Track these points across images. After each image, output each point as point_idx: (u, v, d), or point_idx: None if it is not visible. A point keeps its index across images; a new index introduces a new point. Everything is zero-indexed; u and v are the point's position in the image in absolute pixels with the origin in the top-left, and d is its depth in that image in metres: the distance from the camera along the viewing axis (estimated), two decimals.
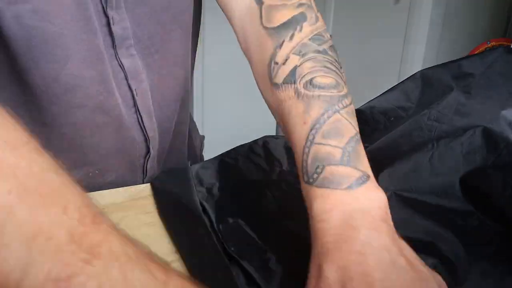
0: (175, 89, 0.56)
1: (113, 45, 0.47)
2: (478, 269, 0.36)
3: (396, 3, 2.01)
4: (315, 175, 0.35)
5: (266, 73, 0.42)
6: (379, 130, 0.44)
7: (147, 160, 0.57)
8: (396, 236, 0.32)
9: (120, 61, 0.48)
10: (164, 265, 0.23)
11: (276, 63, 0.41)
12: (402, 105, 0.48)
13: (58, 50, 0.43)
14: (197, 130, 0.77)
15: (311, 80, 0.38)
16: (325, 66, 0.40)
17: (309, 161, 0.35)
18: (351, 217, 0.32)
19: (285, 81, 0.40)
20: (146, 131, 0.54)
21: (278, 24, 0.42)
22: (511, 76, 0.40)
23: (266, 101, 0.45)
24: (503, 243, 0.37)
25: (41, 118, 0.46)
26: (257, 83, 0.46)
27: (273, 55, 0.42)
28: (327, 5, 2.54)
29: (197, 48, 0.65)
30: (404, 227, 0.35)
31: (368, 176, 0.35)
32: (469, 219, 0.38)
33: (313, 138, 0.36)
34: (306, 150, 0.36)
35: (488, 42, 1.93)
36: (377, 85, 2.37)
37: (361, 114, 0.43)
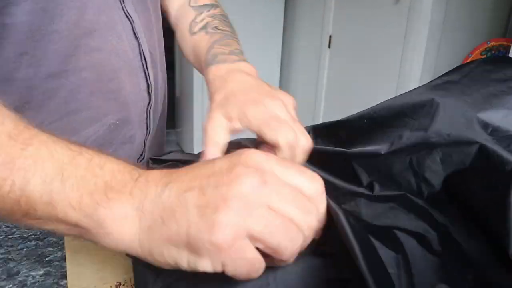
0: (157, 43, 0.65)
1: (122, 1, 0.55)
2: None
3: (396, 3, 2.01)
4: (214, 61, 0.55)
5: (187, 29, 0.65)
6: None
7: (149, 111, 0.62)
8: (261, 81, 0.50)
9: (127, 12, 0.55)
10: (79, 145, 0.32)
11: (195, 22, 0.64)
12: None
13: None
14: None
15: (216, 27, 0.62)
16: (227, 24, 0.64)
17: (209, 56, 0.56)
18: (232, 70, 0.52)
19: (201, 29, 0.63)
20: (149, 77, 0.60)
21: (201, 4, 0.67)
22: (487, 82, 0.40)
23: (183, 51, 0.67)
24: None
25: (67, 65, 0.51)
26: (178, 42, 0.68)
27: (195, 18, 0.65)
28: (327, 5, 2.54)
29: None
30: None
31: (245, 61, 0.56)
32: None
33: (213, 46, 0.58)
34: (209, 51, 0.57)
35: (488, 42, 1.93)
36: (377, 85, 2.39)
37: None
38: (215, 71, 0.53)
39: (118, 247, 0.30)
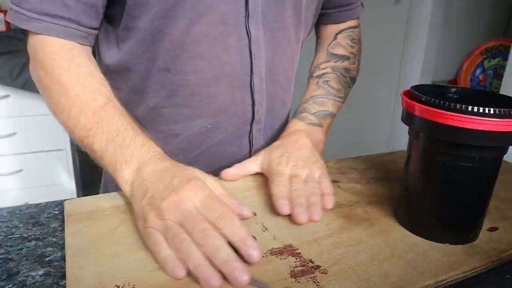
0: (284, 65, 0.68)
1: (246, 16, 0.59)
2: None
3: (396, 3, 2.01)
4: (298, 114, 0.69)
5: (312, 69, 0.76)
6: None
7: (252, 126, 0.67)
8: (316, 153, 0.61)
9: (249, 29, 0.60)
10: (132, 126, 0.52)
11: (319, 67, 0.75)
12: None
13: (193, 9, 0.56)
14: None
15: (327, 81, 0.73)
16: (339, 81, 0.74)
17: (300, 107, 0.71)
18: (300, 130, 0.65)
19: (317, 77, 0.74)
20: (253, 93, 0.64)
21: (335, 53, 0.76)
22: None
23: None
24: None
25: (173, 64, 0.59)
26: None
27: (321, 63, 0.76)
28: None
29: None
30: None
31: (322, 126, 0.69)
32: None
33: (308, 100, 0.71)
34: (303, 102, 0.71)
35: (488, 42, 1.93)
36: (377, 84, 2.39)
37: None
38: (292, 123, 0.68)
39: (122, 189, 0.49)
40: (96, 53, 0.64)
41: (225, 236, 0.39)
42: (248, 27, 0.60)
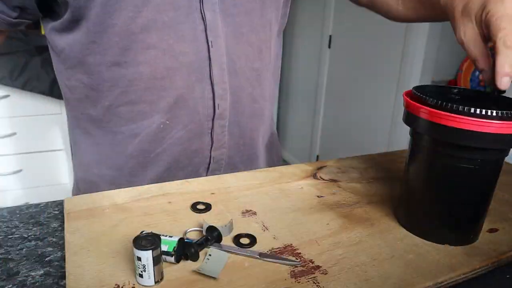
0: (249, 56, 0.61)
1: (201, 0, 0.55)
2: None
3: None
4: None
5: None
6: None
7: (214, 122, 0.61)
8: None
9: (204, 14, 0.55)
10: None
11: None
12: None
13: None
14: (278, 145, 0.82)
15: None
16: None
17: None
18: None
19: None
20: (213, 85, 0.58)
21: None
22: None
23: (398, 15, 0.68)
24: None
25: (124, 57, 0.55)
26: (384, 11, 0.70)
27: None
28: (327, 5, 2.54)
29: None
30: None
31: None
32: None
33: None
34: None
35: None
36: (377, 84, 2.39)
37: None
38: None
39: None
40: (50, 47, 0.64)
41: None
42: (203, 12, 0.55)
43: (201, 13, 0.55)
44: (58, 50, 0.60)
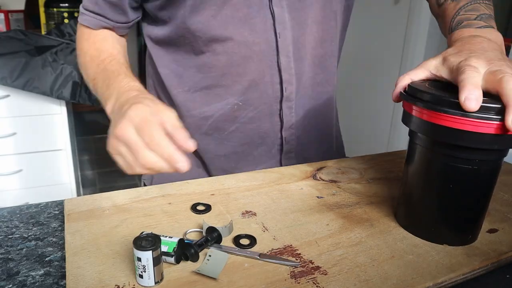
0: (311, 44, 0.69)
1: None
2: None
3: (396, 3, 2.01)
4: (458, 26, 0.55)
5: (435, 1, 0.65)
6: None
7: (282, 104, 0.69)
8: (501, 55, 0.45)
9: (272, 9, 0.63)
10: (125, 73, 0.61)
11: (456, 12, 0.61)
12: None
13: None
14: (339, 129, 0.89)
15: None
16: None
17: (454, 23, 0.57)
18: (475, 35, 0.50)
19: (446, 0, 0.62)
20: (281, 71, 0.66)
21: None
22: None
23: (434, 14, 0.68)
24: None
25: (206, 47, 0.65)
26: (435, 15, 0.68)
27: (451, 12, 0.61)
28: None
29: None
30: None
31: (493, 27, 0.53)
32: None
33: (459, 12, 0.58)
34: (453, 18, 0.58)
35: None
36: (377, 85, 2.39)
37: None
38: (457, 35, 0.53)
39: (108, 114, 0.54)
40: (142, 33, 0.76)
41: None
42: (272, 8, 0.63)
43: (270, 9, 0.63)
44: (155, 40, 0.72)
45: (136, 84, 0.56)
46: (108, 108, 0.54)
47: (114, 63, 0.63)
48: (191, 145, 0.45)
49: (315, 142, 0.77)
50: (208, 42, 0.65)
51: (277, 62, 0.66)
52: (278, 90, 0.68)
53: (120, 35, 0.72)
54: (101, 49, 0.67)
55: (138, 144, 0.44)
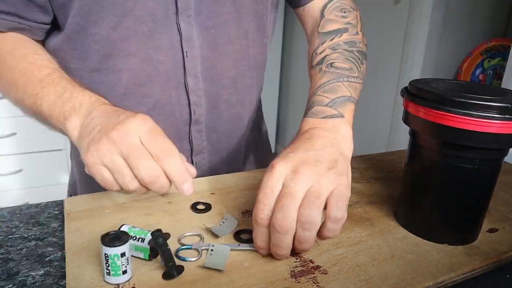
0: (225, 65, 0.64)
1: (176, 13, 0.57)
2: None
3: (396, 3, 2.01)
4: (308, 111, 0.51)
5: (309, 61, 0.62)
6: None
7: (191, 127, 0.64)
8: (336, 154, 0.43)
9: (179, 26, 0.58)
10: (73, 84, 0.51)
11: (316, 53, 0.61)
12: None
13: (119, 6, 0.55)
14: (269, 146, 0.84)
15: (331, 63, 0.57)
16: (346, 58, 0.58)
17: (309, 103, 0.53)
18: (315, 128, 0.48)
19: (317, 64, 0.59)
20: (188, 94, 0.61)
21: (327, 31, 0.63)
22: None
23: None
24: None
25: (104, 64, 0.58)
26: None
27: (316, 48, 0.62)
28: None
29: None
30: None
31: (343, 116, 0.50)
32: None
33: (316, 91, 0.54)
34: (311, 97, 0.54)
35: (488, 42, 1.93)
36: (377, 85, 2.39)
37: None
38: (304, 124, 0.51)
39: (71, 139, 0.48)
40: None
41: (163, 169, 0.42)
42: (179, 24, 0.58)
43: (177, 24, 0.58)
44: (50, 52, 0.61)
45: (107, 102, 0.50)
46: (74, 120, 0.47)
47: (64, 78, 0.52)
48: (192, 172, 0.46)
49: (226, 163, 0.72)
50: (105, 57, 0.58)
51: (185, 82, 0.61)
52: (187, 112, 0.63)
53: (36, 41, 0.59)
54: (36, 63, 0.54)
55: (141, 150, 0.41)
